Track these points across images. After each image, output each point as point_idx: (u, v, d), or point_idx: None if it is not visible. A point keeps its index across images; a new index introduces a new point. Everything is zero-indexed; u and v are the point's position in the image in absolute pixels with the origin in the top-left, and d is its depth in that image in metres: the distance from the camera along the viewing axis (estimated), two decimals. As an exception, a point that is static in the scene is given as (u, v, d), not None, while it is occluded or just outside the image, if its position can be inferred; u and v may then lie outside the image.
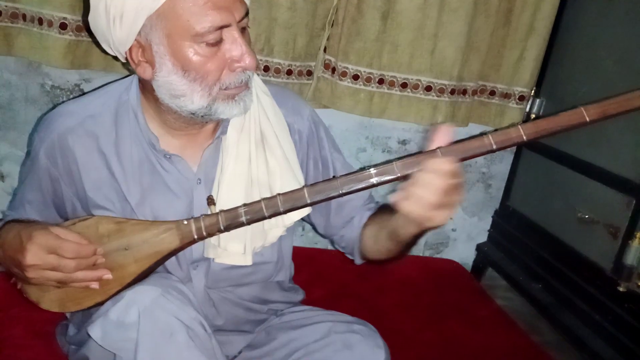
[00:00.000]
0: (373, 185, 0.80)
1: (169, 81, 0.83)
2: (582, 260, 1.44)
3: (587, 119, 0.73)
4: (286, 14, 1.44)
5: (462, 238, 1.92)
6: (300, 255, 1.61)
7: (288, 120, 0.99)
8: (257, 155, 0.92)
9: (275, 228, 0.94)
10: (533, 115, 1.65)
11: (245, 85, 0.86)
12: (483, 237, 1.91)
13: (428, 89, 1.57)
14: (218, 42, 0.82)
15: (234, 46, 0.82)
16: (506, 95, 1.66)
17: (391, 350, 1.09)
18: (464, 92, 1.62)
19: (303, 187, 0.82)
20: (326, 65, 1.55)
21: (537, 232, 1.64)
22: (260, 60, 1.47)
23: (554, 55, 1.63)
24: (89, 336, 0.81)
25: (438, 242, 1.91)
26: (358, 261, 1.09)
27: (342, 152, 1.12)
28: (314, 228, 1.14)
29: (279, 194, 0.82)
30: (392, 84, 1.56)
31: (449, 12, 1.49)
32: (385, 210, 1.01)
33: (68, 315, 1.04)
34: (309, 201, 0.81)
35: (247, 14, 0.85)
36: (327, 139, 1.07)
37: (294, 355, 0.96)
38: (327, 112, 1.63)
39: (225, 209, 0.84)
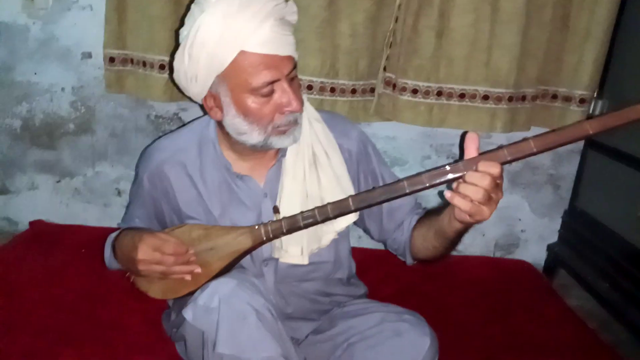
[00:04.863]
0: (406, 194, 0.92)
1: (234, 122, 1.04)
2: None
3: (590, 132, 0.82)
4: (348, 41, 1.58)
5: (534, 239, 1.93)
6: (369, 256, 1.72)
7: (338, 141, 1.15)
8: (310, 174, 1.09)
9: (327, 234, 1.10)
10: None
11: (294, 123, 1.05)
12: (554, 238, 1.91)
13: (485, 97, 1.64)
14: (270, 93, 1.00)
15: (284, 95, 1.00)
16: (567, 99, 1.69)
17: (454, 343, 1.15)
18: (523, 98, 1.67)
19: (348, 196, 0.97)
20: (387, 82, 1.67)
21: (604, 232, 1.64)
22: (327, 83, 1.63)
23: (615, 57, 1.63)
24: (184, 318, 1.00)
25: (509, 243, 1.94)
26: (409, 261, 1.22)
27: (403, 161, 1.24)
28: (369, 234, 1.28)
29: (329, 203, 0.98)
30: (450, 95, 1.65)
31: (501, 25, 1.55)
32: (431, 212, 1.14)
33: (170, 303, 1.26)
34: (353, 208, 0.96)
35: (295, 67, 1.03)
36: (374, 155, 1.22)
37: (351, 340, 1.09)
38: (391, 125, 1.75)
39: (286, 216, 1.03)
